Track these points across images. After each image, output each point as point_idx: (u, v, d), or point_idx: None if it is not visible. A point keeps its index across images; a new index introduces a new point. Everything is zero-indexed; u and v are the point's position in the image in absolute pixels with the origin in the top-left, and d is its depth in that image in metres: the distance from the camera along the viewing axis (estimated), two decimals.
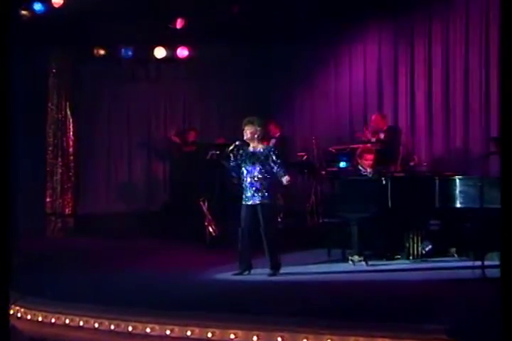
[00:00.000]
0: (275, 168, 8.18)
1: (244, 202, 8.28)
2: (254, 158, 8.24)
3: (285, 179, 8.14)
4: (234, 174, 8.45)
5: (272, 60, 14.36)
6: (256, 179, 8.19)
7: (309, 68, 14.24)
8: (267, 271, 8.26)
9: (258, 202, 8.17)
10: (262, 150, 8.27)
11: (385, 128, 11.74)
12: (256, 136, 8.24)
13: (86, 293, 7.19)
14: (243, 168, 8.30)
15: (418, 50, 12.51)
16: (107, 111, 14.92)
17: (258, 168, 8.20)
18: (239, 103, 14.59)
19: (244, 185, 8.29)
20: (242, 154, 8.32)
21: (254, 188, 8.19)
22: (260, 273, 8.26)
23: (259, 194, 8.17)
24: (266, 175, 8.18)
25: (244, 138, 8.30)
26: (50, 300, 6.80)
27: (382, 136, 11.60)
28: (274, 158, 8.19)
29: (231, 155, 8.30)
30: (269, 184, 8.17)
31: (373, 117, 11.94)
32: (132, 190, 15.04)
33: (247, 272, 8.25)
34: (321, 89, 14.19)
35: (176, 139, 14.22)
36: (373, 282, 7.91)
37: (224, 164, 11.25)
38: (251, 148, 8.33)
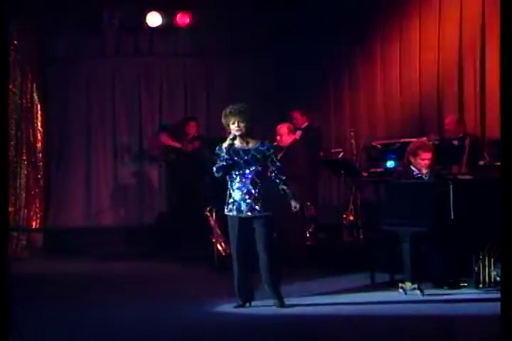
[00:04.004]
0: (273, 172, 8.28)
1: (232, 214, 8.29)
2: (249, 156, 8.27)
3: (294, 203, 8.45)
4: (218, 174, 8.38)
5: (299, 29, 14.28)
6: (253, 184, 8.22)
7: (348, 39, 14.12)
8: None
9: (257, 214, 8.20)
10: (257, 146, 8.31)
11: (460, 134, 11.29)
12: (248, 129, 8.28)
13: (58, 330, 7.19)
14: (233, 170, 8.31)
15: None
16: (86, 96, 14.94)
17: (256, 170, 8.24)
18: (255, 84, 14.57)
19: (232, 192, 8.29)
20: (233, 152, 8.32)
21: (247, 196, 8.21)
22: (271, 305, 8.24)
23: (258, 203, 8.20)
24: (263, 178, 8.26)
25: (237, 133, 8.29)
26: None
27: (456, 142, 11.20)
28: (274, 158, 8.31)
29: (224, 151, 8.27)
30: (267, 191, 8.24)
31: (447, 121, 11.52)
32: (119, 198, 15.05)
33: (248, 304, 8.29)
34: (364, 65, 14.09)
35: (172, 143, 14.14)
36: (430, 317, 7.85)
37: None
38: (242, 145, 8.34)
